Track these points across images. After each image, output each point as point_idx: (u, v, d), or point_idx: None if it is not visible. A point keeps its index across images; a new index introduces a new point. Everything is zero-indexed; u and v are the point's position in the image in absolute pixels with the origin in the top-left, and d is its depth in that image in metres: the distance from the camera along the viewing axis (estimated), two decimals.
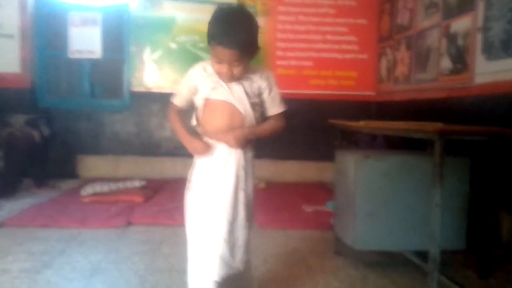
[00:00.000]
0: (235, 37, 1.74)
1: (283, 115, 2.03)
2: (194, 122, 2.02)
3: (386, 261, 2.96)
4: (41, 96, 5.87)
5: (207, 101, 1.94)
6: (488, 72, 3.32)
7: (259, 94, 1.96)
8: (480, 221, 2.86)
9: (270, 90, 1.97)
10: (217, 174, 1.92)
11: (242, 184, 1.93)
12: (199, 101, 1.97)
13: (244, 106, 1.91)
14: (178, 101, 2.05)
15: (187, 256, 1.95)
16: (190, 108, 2.06)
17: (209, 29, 1.80)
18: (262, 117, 2.02)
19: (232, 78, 1.86)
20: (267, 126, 2.00)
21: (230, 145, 1.90)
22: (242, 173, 1.93)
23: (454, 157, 2.63)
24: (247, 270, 2.03)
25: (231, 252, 1.89)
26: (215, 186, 1.91)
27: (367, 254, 2.96)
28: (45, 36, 5.89)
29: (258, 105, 1.96)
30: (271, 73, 2.00)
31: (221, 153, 1.92)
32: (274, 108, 2.00)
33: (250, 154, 2.00)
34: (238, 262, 1.92)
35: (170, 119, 2.09)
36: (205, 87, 1.93)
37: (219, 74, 1.87)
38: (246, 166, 1.95)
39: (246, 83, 1.92)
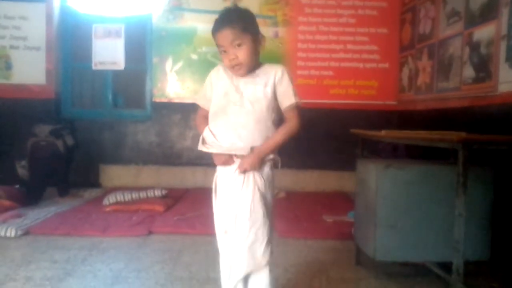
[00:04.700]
0: (225, 18, 1.91)
1: (297, 109, 1.97)
2: (200, 146, 2.01)
3: (409, 272, 2.91)
4: (65, 106, 5.98)
5: (218, 107, 1.96)
6: None
7: (275, 91, 1.94)
8: (505, 231, 2.80)
9: (280, 83, 1.94)
10: (227, 182, 1.98)
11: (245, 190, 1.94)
12: (211, 107, 2.00)
13: (258, 108, 1.91)
14: (203, 101, 2.06)
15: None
16: None
17: (212, 37, 1.96)
18: (279, 117, 1.99)
19: (242, 65, 1.89)
20: (279, 135, 1.95)
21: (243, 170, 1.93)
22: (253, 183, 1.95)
23: (477, 167, 2.58)
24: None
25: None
26: (224, 193, 1.99)
27: (389, 265, 2.92)
28: (70, 48, 6.02)
29: (274, 110, 1.96)
30: (285, 68, 1.98)
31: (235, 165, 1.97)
32: (285, 100, 1.94)
33: (268, 163, 2.01)
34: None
35: (197, 125, 2.12)
36: (218, 92, 1.97)
37: (230, 67, 1.91)
38: (261, 174, 1.98)
39: (260, 88, 1.93)
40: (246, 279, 2.00)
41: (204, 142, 1.99)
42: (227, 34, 1.86)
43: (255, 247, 1.93)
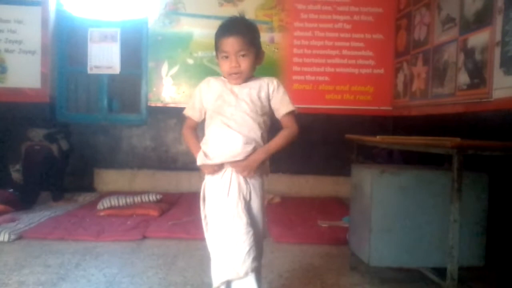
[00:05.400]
0: (235, 25, 1.91)
1: (294, 117, 2.00)
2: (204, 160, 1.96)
3: (403, 277, 2.91)
4: (60, 110, 5.97)
5: (212, 110, 1.96)
6: (506, 86, 3.28)
7: (268, 100, 1.97)
8: (499, 237, 2.80)
9: (277, 92, 1.97)
10: (214, 189, 1.96)
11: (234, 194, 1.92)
12: (207, 113, 2.00)
13: (253, 108, 1.91)
14: (191, 111, 2.07)
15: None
16: (203, 122, 2.05)
17: (215, 40, 1.94)
18: (269, 125, 2.00)
19: (241, 74, 1.91)
20: (280, 138, 1.96)
21: (244, 175, 1.92)
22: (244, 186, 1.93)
23: (472, 173, 2.59)
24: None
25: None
26: (212, 201, 1.96)
27: (383, 270, 2.92)
28: (65, 52, 6.02)
29: (266, 114, 1.96)
30: (276, 79, 2.01)
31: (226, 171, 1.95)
32: (283, 107, 1.97)
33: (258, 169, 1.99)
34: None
35: (184, 136, 2.13)
36: (210, 98, 1.97)
37: (228, 74, 1.92)
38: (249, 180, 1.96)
39: (254, 91, 1.94)
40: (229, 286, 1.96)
41: (205, 155, 1.94)
42: (235, 42, 1.87)
43: (234, 256, 1.87)
